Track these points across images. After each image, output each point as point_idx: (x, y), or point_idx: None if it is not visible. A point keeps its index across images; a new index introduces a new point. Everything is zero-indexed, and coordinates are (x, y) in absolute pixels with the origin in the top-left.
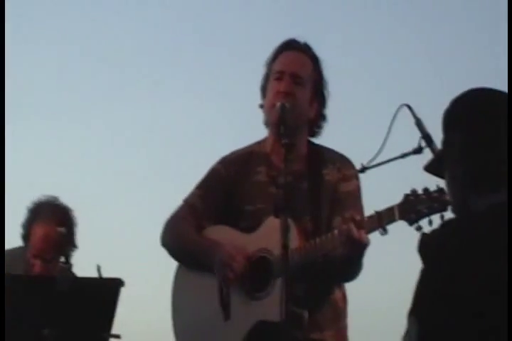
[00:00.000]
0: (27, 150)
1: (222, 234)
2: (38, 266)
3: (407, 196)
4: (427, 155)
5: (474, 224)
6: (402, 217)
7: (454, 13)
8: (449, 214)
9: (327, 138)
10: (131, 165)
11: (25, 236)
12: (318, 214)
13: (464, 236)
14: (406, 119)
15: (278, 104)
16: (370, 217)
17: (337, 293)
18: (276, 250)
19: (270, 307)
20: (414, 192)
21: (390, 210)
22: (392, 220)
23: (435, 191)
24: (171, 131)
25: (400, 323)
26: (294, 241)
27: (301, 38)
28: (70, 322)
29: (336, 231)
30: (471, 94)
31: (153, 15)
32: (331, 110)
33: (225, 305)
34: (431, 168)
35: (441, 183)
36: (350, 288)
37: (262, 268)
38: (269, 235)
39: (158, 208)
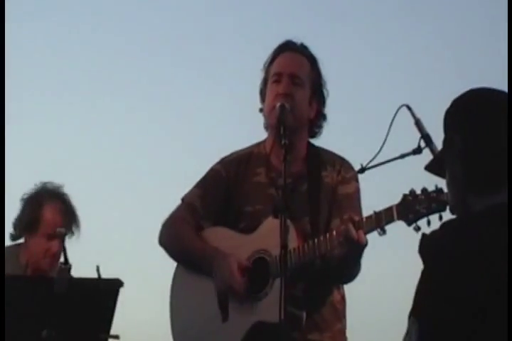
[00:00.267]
0: (26, 150)
1: (220, 236)
2: (55, 246)
3: (405, 196)
4: (427, 155)
5: (474, 225)
6: (400, 218)
7: (454, 12)
8: (447, 214)
9: (327, 139)
10: (129, 164)
11: (34, 222)
12: (317, 216)
13: (464, 236)
14: (405, 120)
15: (277, 105)
16: (369, 218)
17: (336, 294)
18: (275, 251)
19: (268, 308)
20: (412, 192)
21: (388, 210)
22: (390, 220)
23: (433, 191)
24: (170, 131)
25: (399, 324)
26: (293, 242)
27: (299, 39)
28: (69, 323)
29: (334, 232)
30: (472, 94)
31: (153, 16)
32: (330, 111)
33: (223, 306)
34: (432, 168)
35: (440, 183)
36: (348, 289)
37: (261, 268)
38: (267, 236)
39: (156, 208)
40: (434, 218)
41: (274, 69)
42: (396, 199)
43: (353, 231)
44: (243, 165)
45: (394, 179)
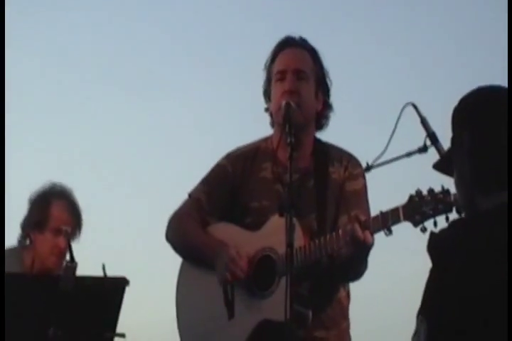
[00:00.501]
0: (28, 151)
1: (226, 232)
2: (62, 242)
3: (412, 197)
4: (432, 154)
5: (483, 223)
6: (407, 218)
7: (460, 10)
8: (453, 216)
9: (332, 136)
10: (134, 162)
11: (42, 220)
12: (324, 213)
13: (473, 235)
14: (411, 118)
15: (283, 103)
16: (375, 218)
17: (341, 292)
18: (281, 249)
19: (274, 306)
20: (419, 193)
21: (395, 211)
22: (397, 221)
23: (440, 192)
24: (175, 127)
25: (403, 323)
26: (299, 240)
27: (305, 34)
28: (75, 322)
29: (340, 231)
30: (480, 92)
31: (153, 15)
32: (336, 109)
33: (230, 304)
34: (440, 167)
35: (446, 184)
36: (354, 287)
37: (267, 266)
38: (273, 234)
39: (162, 205)
40: (441, 219)
41: (276, 67)
42: (401, 198)
43: (360, 232)
44: (250, 161)
45: (400, 177)
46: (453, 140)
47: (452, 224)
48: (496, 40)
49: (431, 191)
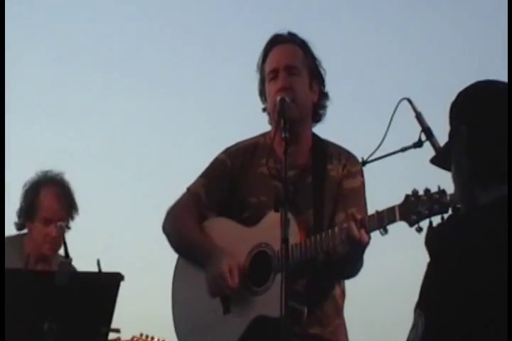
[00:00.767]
0: (26, 147)
1: (223, 228)
2: (52, 230)
3: (408, 197)
4: (427, 149)
5: (481, 217)
6: (402, 218)
7: (455, 6)
8: None
9: (328, 131)
10: (132, 156)
11: (32, 209)
12: (321, 209)
13: (471, 229)
14: (406, 113)
15: (277, 99)
16: (371, 217)
17: (337, 289)
18: (277, 245)
19: (270, 302)
20: (415, 193)
21: (390, 210)
22: (392, 220)
23: (436, 192)
24: (172, 122)
25: (399, 321)
26: (295, 236)
27: (284, 30)
28: (70, 317)
29: (336, 229)
30: (478, 85)
31: (153, 16)
32: (331, 105)
33: (225, 299)
34: (437, 161)
35: (442, 179)
36: (349, 285)
37: (262, 262)
38: (269, 230)
39: (157, 201)
40: (437, 220)
41: (268, 67)
42: (396, 193)
43: (355, 230)
44: (249, 155)
45: (395, 172)
46: (451, 133)
47: (450, 218)
48: (494, 35)
49: (427, 191)
